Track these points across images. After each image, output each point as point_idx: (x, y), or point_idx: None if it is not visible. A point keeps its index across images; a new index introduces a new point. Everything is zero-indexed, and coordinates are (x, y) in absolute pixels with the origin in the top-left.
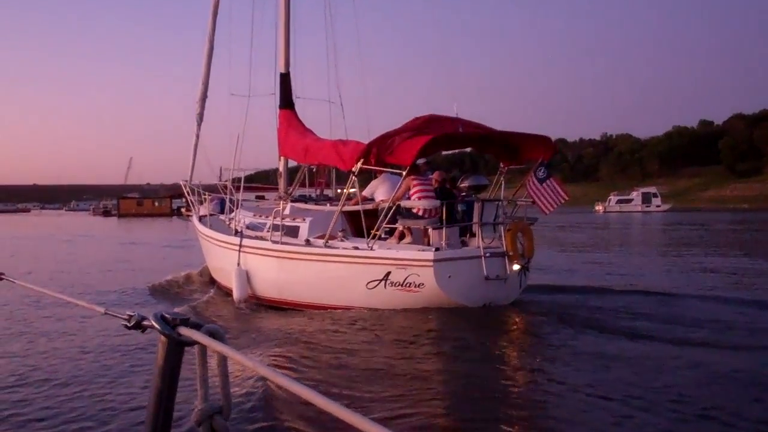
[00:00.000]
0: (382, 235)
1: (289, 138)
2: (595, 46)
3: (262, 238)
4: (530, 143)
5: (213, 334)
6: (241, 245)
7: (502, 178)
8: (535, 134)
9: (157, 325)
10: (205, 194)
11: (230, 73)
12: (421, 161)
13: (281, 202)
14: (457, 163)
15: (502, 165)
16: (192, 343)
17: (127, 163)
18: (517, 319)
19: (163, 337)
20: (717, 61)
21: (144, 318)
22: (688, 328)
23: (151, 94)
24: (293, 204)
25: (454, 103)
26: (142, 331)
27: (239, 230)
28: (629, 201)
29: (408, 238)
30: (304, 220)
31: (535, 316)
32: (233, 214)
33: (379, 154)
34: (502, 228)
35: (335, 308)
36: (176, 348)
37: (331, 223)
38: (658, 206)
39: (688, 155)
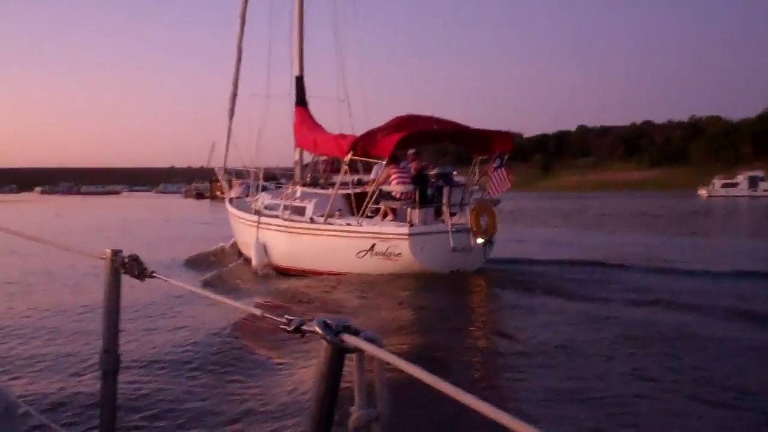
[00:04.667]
0: (369, 214)
1: (302, 132)
2: (679, 26)
3: (276, 217)
4: (494, 137)
5: (372, 341)
6: (259, 222)
7: (476, 167)
8: (497, 130)
9: (320, 331)
10: (234, 179)
11: (251, 76)
12: (411, 152)
13: (291, 187)
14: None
15: (475, 155)
16: (353, 350)
17: (209, 147)
18: (477, 283)
19: (325, 343)
20: None
21: (303, 322)
22: (620, 291)
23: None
24: (303, 188)
25: (430, 106)
26: (301, 336)
27: (258, 210)
28: (735, 185)
29: (390, 216)
30: (310, 201)
31: (491, 280)
32: (256, 197)
33: (365, 147)
34: (468, 208)
35: (332, 274)
36: (338, 354)
37: (328, 204)
38: (766, 190)
39: None
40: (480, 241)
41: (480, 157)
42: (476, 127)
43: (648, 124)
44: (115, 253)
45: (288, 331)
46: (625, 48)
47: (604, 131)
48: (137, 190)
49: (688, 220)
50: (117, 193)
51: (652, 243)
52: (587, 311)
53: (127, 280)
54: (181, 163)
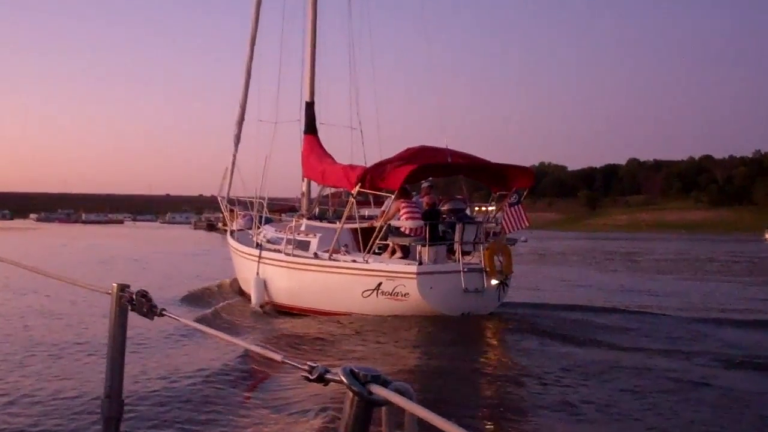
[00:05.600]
0: (376, 251)
1: (310, 161)
2: (741, 56)
3: (278, 251)
4: (513, 172)
5: (403, 393)
6: (260, 256)
7: (494, 203)
8: (517, 165)
9: (346, 381)
10: (237, 211)
11: (259, 101)
12: (425, 185)
13: (294, 219)
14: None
15: (493, 191)
16: (382, 402)
17: (221, 174)
18: (491, 328)
19: (351, 394)
20: None
21: (328, 371)
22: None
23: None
24: (308, 222)
25: (444, 138)
26: (325, 385)
27: (260, 243)
28: None
29: (398, 254)
30: (315, 235)
31: (507, 325)
32: (260, 230)
33: (373, 179)
34: (481, 247)
35: (336, 314)
36: (366, 407)
37: (333, 239)
38: None
39: None
40: (494, 282)
41: (498, 193)
42: (492, 161)
43: (707, 160)
44: (122, 288)
45: (310, 380)
46: (681, 76)
47: (658, 166)
48: (141, 220)
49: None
50: (120, 222)
51: (735, 293)
52: (664, 369)
53: (133, 316)
54: (188, 191)
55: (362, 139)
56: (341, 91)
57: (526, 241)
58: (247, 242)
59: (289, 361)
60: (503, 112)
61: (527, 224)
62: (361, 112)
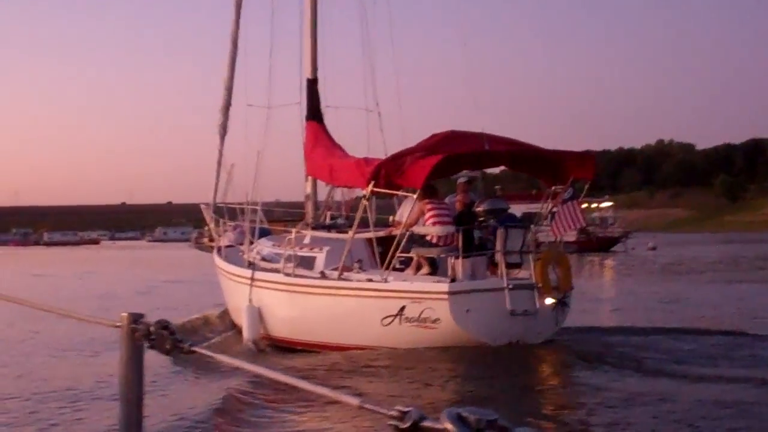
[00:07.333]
0: (398, 266)
1: (315, 155)
2: None
3: (276, 271)
4: (569, 161)
5: None
6: (253, 278)
7: (549, 201)
8: (574, 151)
9: (453, 429)
10: (226, 222)
11: (246, 80)
12: (461, 180)
13: (294, 231)
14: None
15: (546, 185)
16: None
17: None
18: (549, 361)
19: None
20: None
21: (424, 416)
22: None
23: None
24: (313, 232)
25: (481, 125)
26: None
27: (252, 261)
28: None
29: (425, 269)
30: (321, 249)
31: (571, 357)
32: (253, 245)
33: (389, 175)
34: (530, 257)
35: (349, 348)
36: None
37: (343, 253)
38: None
39: None
40: (549, 301)
41: (552, 188)
42: (542, 148)
43: None
44: (135, 319)
45: (400, 430)
46: None
47: None
48: (122, 238)
49: None
50: (95, 242)
51: None
52: None
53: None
54: (152, 198)
55: (380, 125)
56: (352, 65)
57: (655, 248)
58: (237, 261)
59: (369, 406)
60: (589, 75)
61: (582, 224)
62: (378, 89)
